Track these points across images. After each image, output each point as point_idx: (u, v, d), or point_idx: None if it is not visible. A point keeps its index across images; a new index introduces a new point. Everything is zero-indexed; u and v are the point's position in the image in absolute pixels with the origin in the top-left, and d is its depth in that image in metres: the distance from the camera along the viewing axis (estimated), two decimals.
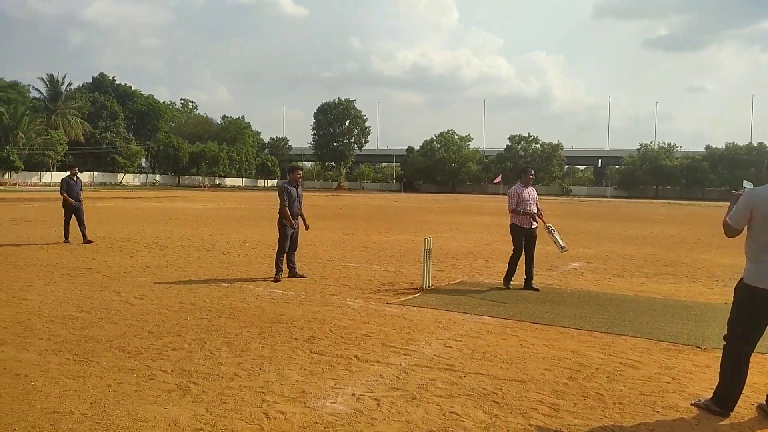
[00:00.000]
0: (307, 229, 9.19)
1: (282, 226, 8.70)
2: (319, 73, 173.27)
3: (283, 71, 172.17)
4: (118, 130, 78.25)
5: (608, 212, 34.59)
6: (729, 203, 4.07)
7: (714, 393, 3.90)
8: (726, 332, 3.97)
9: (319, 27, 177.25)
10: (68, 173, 13.22)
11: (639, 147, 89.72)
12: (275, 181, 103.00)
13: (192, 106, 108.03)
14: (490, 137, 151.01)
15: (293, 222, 8.67)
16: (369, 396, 3.99)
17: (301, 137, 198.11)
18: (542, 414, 3.75)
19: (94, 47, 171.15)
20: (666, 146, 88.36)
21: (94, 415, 3.58)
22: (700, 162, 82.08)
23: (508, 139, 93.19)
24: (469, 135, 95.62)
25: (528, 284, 8.05)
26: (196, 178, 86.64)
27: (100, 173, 76.60)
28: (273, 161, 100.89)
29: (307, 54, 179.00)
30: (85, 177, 73.25)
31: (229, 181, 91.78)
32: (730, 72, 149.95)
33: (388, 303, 7.07)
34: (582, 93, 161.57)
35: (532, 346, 5.30)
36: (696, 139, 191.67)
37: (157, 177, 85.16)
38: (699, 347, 5.38)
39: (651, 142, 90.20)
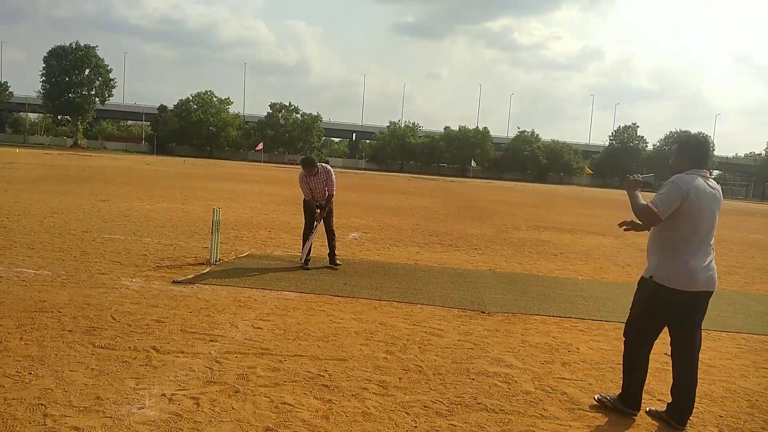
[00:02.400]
0: None
1: None
2: (48, 11, 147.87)
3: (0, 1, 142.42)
4: None
5: (366, 183, 36.74)
6: (627, 188, 3.67)
7: (621, 391, 3.69)
8: (624, 327, 3.72)
9: None
10: None
11: (389, 125, 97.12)
12: None
13: None
14: (250, 103, 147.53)
15: None
16: (183, 395, 3.44)
17: (24, 84, 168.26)
18: (374, 393, 3.68)
19: None
20: (411, 125, 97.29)
21: None
22: (438, 142, 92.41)
23: (269, 106, 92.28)
24: (228, 98, 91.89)
25: (331, 260, 7.73)
26: None
27: None
28: None
29: None
30: None
31: None
32: (462, 62, 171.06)
33: (174, 282, 6.31)
34: (338, 67, 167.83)
35: (342, 321, 5.24)
36: (432, 119, 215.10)
37: None
38: (483, 312, 5.93)
39: (399, 121, 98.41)
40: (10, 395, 3.27)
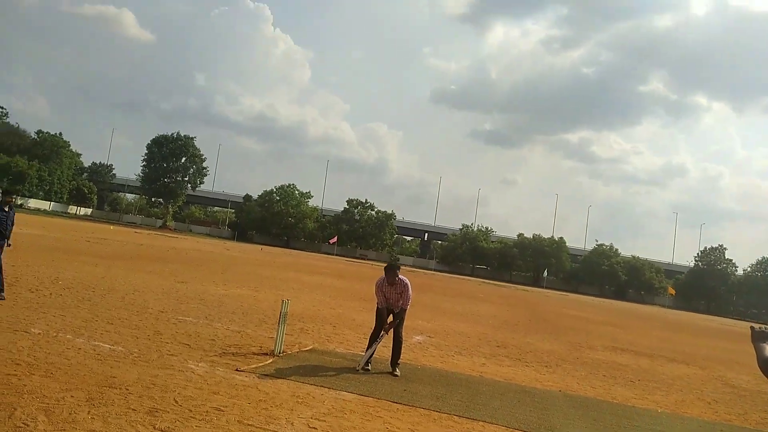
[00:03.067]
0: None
1: None
2: (156, 103, 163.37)
3: (117, 94, 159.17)
4: None
5: (435, 285, 36.44)
6: (753, 339, 3.15)
7: None
8: None
9: (162, 55, 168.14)
10: None
11: (461, 227, 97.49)
12: (90, 210, 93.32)
13: (1, 112, 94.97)
14: (329, 197, 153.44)
15: None
16: None
17: (127, 167, 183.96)
18: None
19: None
20: (484, 230, 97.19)
21: None
22: (511, 248, 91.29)
23: (347, 202, 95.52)
24: (309, 192, 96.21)
25: (392, 368, 7.45)
26: None
27: None
28: (91, 188, 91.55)
29: (146, 80, 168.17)
30: None
31: (34, 203, 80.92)
32: (538, 171, 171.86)
33: (237, 369, 6.39)
34: (415, 168, 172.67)
35: (398, 430, 5.05)
36: (506, 225, 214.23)
37: None
38: None
39: (471, 224, 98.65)
40: None
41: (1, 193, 9.49)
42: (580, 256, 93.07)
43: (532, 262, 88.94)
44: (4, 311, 7.68)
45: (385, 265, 7.97)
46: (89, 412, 4.33)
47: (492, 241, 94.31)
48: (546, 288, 75.35)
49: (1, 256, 8.85)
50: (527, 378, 8.64)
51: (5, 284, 8.93)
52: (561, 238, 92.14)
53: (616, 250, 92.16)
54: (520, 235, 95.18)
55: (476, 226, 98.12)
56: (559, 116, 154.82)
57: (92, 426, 4.05)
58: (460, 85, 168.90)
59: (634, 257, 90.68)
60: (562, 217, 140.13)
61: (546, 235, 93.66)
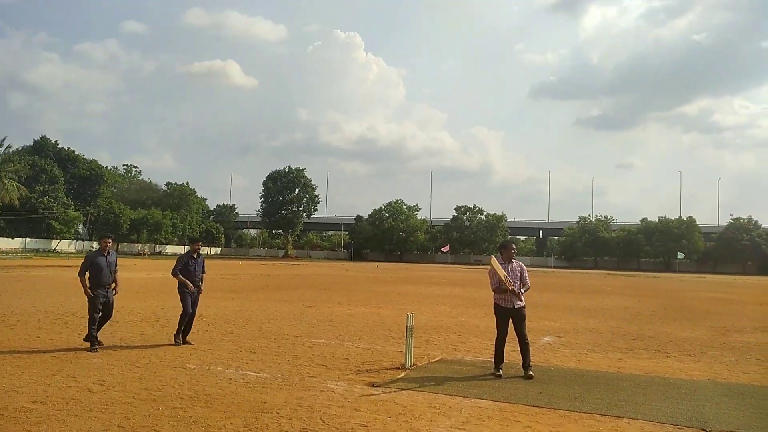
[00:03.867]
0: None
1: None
2: (267, 142, 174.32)
3: (232, 139, 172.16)
4: (56, 195, 75.07)
5: (557, 282, 35.24)
6: None
7: None
8: None
9: (267, 97, 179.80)
10: (187, 248, 9.88)
11: (578, 219, 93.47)
12: (219, 249, 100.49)
13: (136, 171, 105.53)
14: (436, 207, 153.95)
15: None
16: None
17: (247, 204, 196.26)
18: None
19: (37, 110, 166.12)
20: (603, 219, 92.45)
21: None
22: (635, 234, 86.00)
23: (454, 209, 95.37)
24: (416, 205, 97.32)
25: (525, 371, 7.34)
26: (135, 245, 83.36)
27: (33, 239, 72.59)
28: (218, 228, 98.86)
29: (255, 123, 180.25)
30: (16, 243, 69.42)
31: (170, 249, 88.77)
32: (656, 150, 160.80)
33: (373, 385, 6.66)
34: (522, 166, 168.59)
35: None
36: (627, 212, 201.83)
37: (95, 244, 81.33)
38: (705, 430, 5.24)
39: (589, 215, 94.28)
40: None
41: (189, 241, 9.92)
42: (714, 234, 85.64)
43: (660, 247, 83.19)
44: (162, 350, 8.57)
45: (500, 243, 8.12)
46: None
47: (613, 230, 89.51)
48: (679, 272, 70.07)
49: (193, 304, 9.17)
50: (670, 369, 8.17)
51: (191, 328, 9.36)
52: (690, 217, 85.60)
53: (756, 222, 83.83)
54: (643, 220, 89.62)
55: (594, 216, 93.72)
56: (672, 90, 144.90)
57: None
58: (559, 76, 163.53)
59: None
60: (689, 195, 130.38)
61: (673, 216, 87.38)
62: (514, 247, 7.96)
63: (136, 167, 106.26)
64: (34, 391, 6.01)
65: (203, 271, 9.53)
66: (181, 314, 9.12)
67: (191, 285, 9.13)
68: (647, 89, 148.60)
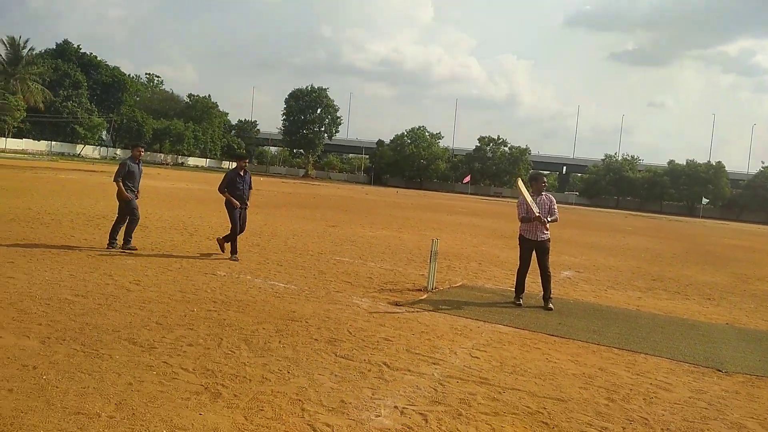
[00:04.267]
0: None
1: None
2: (289, 59, 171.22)
3: (254, 54, 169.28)
4: (80, 100, 75.26)
5: (578, 219, 35.14)
6: None
7: None
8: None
9: (291, 11, 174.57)
10: (234, 165, 9.75)
11: (604, 157, 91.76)
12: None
13: (158, 81, 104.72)
14: (459, 136, 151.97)
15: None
16: (412, 410, 3.77)
17: (268, 121, 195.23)
18: None
19: (56, 12, 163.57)
20: (630, 158, 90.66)
21: (124, 419, 3.26)
22: (661, 176, 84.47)
23: (478, 140, 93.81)
24: (439, 133, 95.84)
25: (545, 303, 7.46)
26: (158, 155, 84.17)
27: (58, 143, 73.59)
28: (239, 144, 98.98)
29: (278, 38, 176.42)
30: (42, 146, 70.52)
31: (192, 161, 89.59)
32: (691, 90, 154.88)
33: (396, 304, 6.86)
34: (549, 99, 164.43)
35: (558, 361, 5.18)
36: (654, 153, 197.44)
37: (118, 151, 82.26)
38: (720, 370, 5.36)
39: (615, 154, 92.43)
40: (276, 388, 3.92)
41: (236, 158, 9.84)
42: (743, 181, 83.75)
43: (685, 191, 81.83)
44: (193, 257, 8.84)
45: (530, 175, 8.07)
46: (280, 341, 4.97)
47: (639, 171, 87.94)
48: (702, 217, 69.31)
49: (242, 220, 9.22)
50: (689, 311, 8.26)
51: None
52: (719, 162, 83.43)
53: None
54: (670, 162, 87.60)
55: (620, 155, 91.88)
56: (713, 27, 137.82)
57: (285, 353, 4.66)
58: (596, 4, 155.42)
59: None
60: (720, 139, 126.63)
61: (701, 160, 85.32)
62: (545, 179, 7.92)
63: (158, 77, 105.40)
64: (75, 285, 6.29)
65: (250, 188, 9.47)
66: (230, 229, 9.16)
67: (236, 202, 9.14)
68: (687, 24, 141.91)
